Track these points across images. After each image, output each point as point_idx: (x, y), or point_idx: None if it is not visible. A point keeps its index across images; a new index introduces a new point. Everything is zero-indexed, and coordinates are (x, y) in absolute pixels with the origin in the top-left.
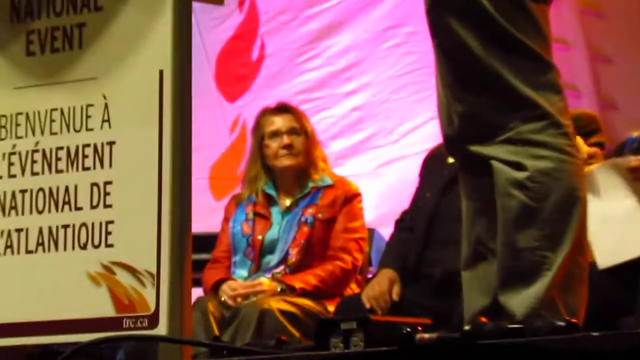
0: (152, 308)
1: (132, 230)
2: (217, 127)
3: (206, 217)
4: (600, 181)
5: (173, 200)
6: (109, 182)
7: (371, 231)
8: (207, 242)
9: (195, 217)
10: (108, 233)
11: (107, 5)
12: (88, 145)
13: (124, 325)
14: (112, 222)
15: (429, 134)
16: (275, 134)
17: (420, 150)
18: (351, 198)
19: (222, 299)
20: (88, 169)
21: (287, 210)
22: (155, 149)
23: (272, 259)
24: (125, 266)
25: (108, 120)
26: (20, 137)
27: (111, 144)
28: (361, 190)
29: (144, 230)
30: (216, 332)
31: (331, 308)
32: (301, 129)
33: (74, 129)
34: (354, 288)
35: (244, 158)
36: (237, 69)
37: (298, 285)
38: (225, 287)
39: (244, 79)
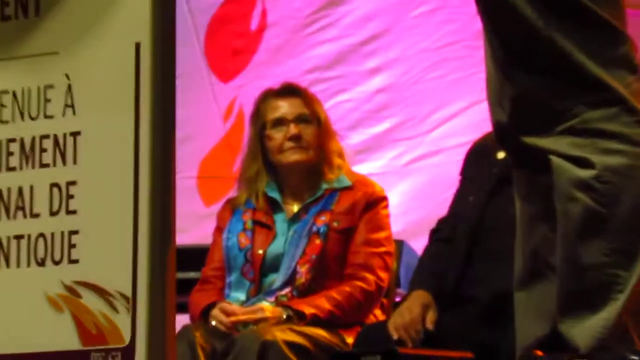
0: (127, 339)
1: (101, 243)
2: (208, 113)
3: (194, 226)
4: None
5: (153, 205)
6: (73, 183)
7: (399, 244)
8: (195, 257)
9: (180, 225)
10: (72, 246)
11: None
12: (47, 136)
13: None
14: (76, 232)
15: (471, 122)
16: (280, 122)
17: (460, 142)
18: (375, 203)
19: (213, 323)
20: (47, 165)
21: (295, 218)
22: (130, 142)
23: (276, 278)
24: (94, 287)
25: (72, 106)
26: None
27: (75, 134)
28: (387, 193)
29: (116, 243)
30: None
31: (349, 339)
32: (312, 116)
33: (30, 116)
34: (377, 315)
35: (241, 152)
36: (233, 41)
37: (308, 311)
38: (217, 312)
39: (240, 54)
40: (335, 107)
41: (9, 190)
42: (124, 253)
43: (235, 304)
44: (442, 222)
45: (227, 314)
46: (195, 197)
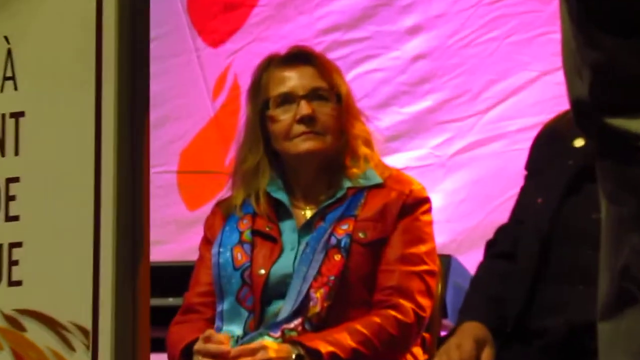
0: None
1: (52, 259)
2: (192, 88)
3: (174, 236)
4: None
5: (119, 210)
6: (15, 180)
7: (446, 260)
8: (175, 278)
9: (156, 236)
10: (13, 263)
11: None
12: None
13: None
14: (19, 244)
15: (540, 98)
16: (288, 98)
17: (526, 125)
18: (413, 206)
19: None
20: None
21: (308, 227)
22: (89, 126)
23: (283, 307)
24: (41, 317)
25: (12, 78)
26: None
27: (17, 116)
28: (429, 193)
29: (71, 259)
30: None
31: None
32: (330, 91)
33: None
34: (417, 354)
35: (236, 139)
36: None
37: (325, 349)
38: (202, 346)
39: (234, 9)
40: (360, 78)
41: None
42: (82, 273)
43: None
44: (501, 232)
45: (216, 343)
46: (175, 199)
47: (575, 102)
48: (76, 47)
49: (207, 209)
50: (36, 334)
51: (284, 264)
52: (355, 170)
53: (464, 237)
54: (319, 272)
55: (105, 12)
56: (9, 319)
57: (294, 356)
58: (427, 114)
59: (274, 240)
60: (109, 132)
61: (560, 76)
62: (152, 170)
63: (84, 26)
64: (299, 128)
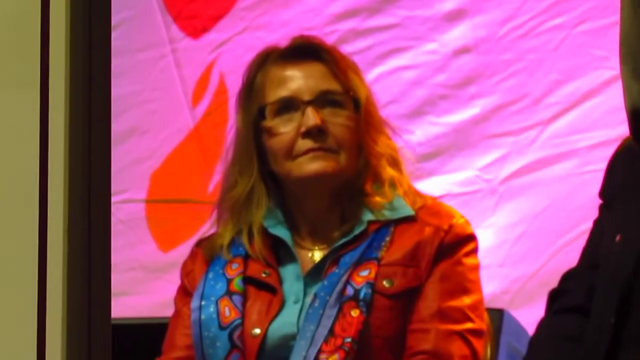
0: None
1: None
2: (165, 91)
3: (142, 286)
4: None
5: (69, 250)
6: None
7: (497, 315)
8: (143, 340)
9: (120, 286)
10: None
11: None
12: None
13: None
14: None
15: (618, 105)
16: (290, 104)
17: (600, 140)
18: (454, 246)
19: None
20: None
21: (317, 273)
22: (32, 140)
23: None
24: None
25: None
26: None
27: None
28: (475, 229)
29: (10, 313)
30: None
31: None
32: (345, 95)
33: None
34: None
35: (222, 158)
36: None
37: None
38: None
39: None
40: (385, 78)
41: None
42: (23, 330)
43: None
44: (569, 279)
45: None
46: (143, 236)
47: (633, 112)
48: (17, 36)
49: (184, 249)
50: None
51: (285, 322)
52: (378, 198)
53: (520, 285)
54: (331, 332)
55: None
56: None
57: None
58: (472, 125)
59: (272, 290)
60: (58, 149)
61: None
62: (113, 199)
63: (28, 11)
64: (305, 144)
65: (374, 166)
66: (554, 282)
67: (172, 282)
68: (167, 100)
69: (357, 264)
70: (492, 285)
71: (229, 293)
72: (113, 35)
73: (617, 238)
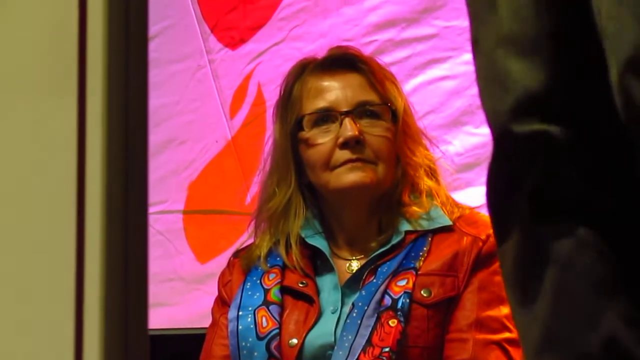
0: None
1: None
2: (203, 102)
3: (180, 296)
4: None
5: (107, 261)
6: None
7: None
8: (181, 350)
9: (157, 297)
10: None
11: None
12: None
13: None
14: None
15: None
16: (327, 115)
17: None
18: (493, 256)
19: None
20: None
21: (354, 283)
22: (71, 146)
23: None
24: None
25: None
26: None
27: None
28: None
29: (46, 325)
30: None
31: None
32: (383, 105)
33: None
34: None
35: (259, 169)
36: None
37: None
38: None
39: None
40: (423, 89)
41: None
42: (60, 342)
43: None
44: None
45: None
46: (181, 247)
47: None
48: (52, 46)
49: (222, 260)
50: None
51: (323, 332)
52: (415, 208)
53: None
54: (369, 342)
55: (90, 7)
56: None
57: None
58: None
59: (309, 300)
60: (95, 160)
61: None
62: (150, 210)
63: (63, 21)
64: (343, 154)
65: (412, 177)
66: None
67: (210, 293)
68: (204, 111)
69: (395, 274)
70: None
71: (267, 303)
72: (151, 46)
73: None
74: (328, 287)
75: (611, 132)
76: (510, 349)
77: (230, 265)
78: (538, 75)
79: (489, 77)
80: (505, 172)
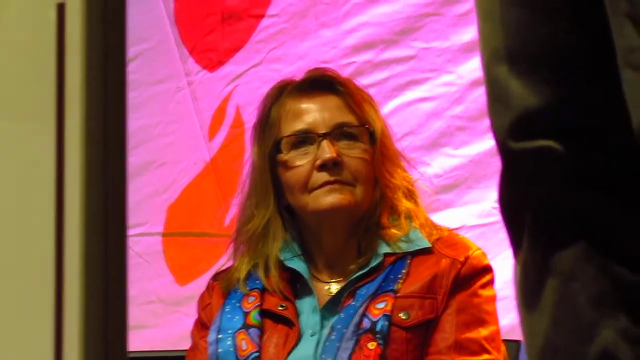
0: None
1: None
2: (181, 124)
3: (159, 319)
4: None
5: (86, 284)
6: None
7: (514, 347)
8: None
9: (137, 319)
10: None
11: None
12: None
13: None
14: None
15: None
16: (306, 138)
17: None
18: (471, 277)
19: None
20: None
21: (333, 306)
22: (48, 171)
23: None
24: None
25: None
26: None
27: None
28: (492, 261)
29: (26, 346)
30: None
31: None
32: (361, 127)
33: None
34: None
35: (238, 192)
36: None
37: None
38: None
39: (237, 21)
40: (401, 110)
41: None
42: None
43: None
44: None
45: None
46: (160, 270)
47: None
48: (30, 68)
49: (201, 282)
50: None
51: (302, 355)
52: (394, 231)
53: None
54: None
55: (68, 27)
56: None
57: None
58: (490, 156)
59: (289, 323)
60: (74, 183)
61: None
62: (130, 232)
63: (40, 42)
64: (321, 177)
65: (390, 199)
66: None
67: (189, 315)
68: (183, 133)
69: (374, 297)
70: (509, 317)
71: (246, 326)
72: (130, 67)
73: None
74: (307, 310)
75: (614, 145)
76: None
77: (209, 288)
78: (538, 92)
79: (490, 94)
80: (511, 187)
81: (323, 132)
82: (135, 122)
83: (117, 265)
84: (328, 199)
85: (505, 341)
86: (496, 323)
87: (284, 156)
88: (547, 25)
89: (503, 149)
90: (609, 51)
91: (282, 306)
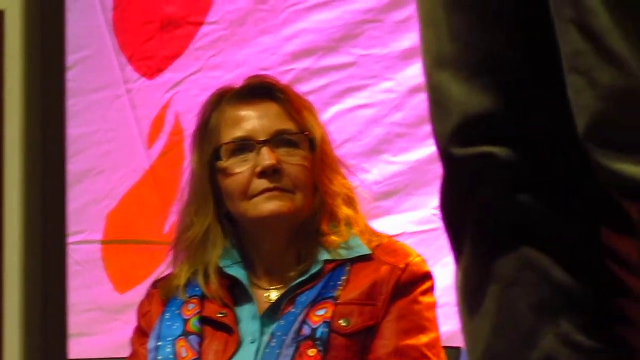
0: None
1: None
2: (120, 132)
3: (98, 327)
4: None
5: (26, 293)
6: None
7: (455, 354)
8: None
9: (76, 327)
10: None
11: None
12: None
13: None
14: None
15: None
16: (245, 145)
17: None
18: (411, 284)
19: None
20: None
21: (273, 313)
22: None
23: None
24: None
25: None
26: None
27: None
28: (432, 267)
29: None
30: None
31: None
32: (301, 134)
33: None
34: None
35: (178, 199)
36: (162, 5)
37: None
38: None
39: (175, 29)
40: (341, 117)
41: None
42: None
43: None
44: None
45: None
46: (99, 278)
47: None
48: None
49: (141, 290)
50: None
51: None
52: (334, 238)
53: None
54: None
55: (8, 33)
56: None
57: None
58: (429, 163)
59: (229, 330)
60: (13, 191)
61: None
62: (69, 240)
63: None
64: (261, 184)
65: (330, 206)
66: None
67: (129, 323)
68: (122, 141)
69: (314, 304)
70: (449, 323)
71: (186, 334)
72: (69, 75)
73: None
74: (247, 317)
75: (556, 151)
76: None
77: (149, 295)
78: (479, 99)
79: (432, 100)
80: (453, 193)
81: (263, 139)
82: (75, 130)
83: (57, 273)
84: (268, 206)
85: (446, 348)
86: (436, 330)
87: (224, 163)
88: (489, 31)
89: (445, 155)
90: (553, 57)
91: (221, 313)
